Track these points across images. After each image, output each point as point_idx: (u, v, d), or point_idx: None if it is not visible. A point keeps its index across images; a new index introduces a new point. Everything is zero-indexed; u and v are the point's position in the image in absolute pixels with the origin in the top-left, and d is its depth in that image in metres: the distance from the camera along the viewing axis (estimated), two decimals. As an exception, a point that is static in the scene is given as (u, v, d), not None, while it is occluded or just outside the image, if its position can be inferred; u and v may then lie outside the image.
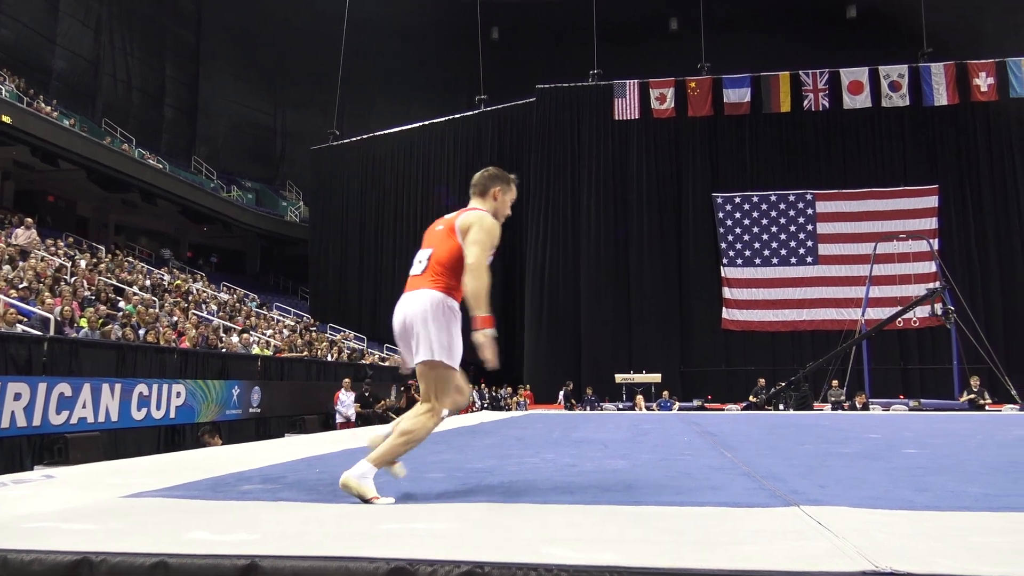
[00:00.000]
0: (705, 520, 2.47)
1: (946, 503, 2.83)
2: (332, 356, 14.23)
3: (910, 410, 14.79)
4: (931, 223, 21.34)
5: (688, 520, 2.46)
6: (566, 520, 2.43)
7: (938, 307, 16.02)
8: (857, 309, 19.77)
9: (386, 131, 22.08)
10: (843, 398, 15.66)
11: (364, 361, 15.28)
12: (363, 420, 10.89)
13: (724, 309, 20.85)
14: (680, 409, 14.93)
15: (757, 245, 21.73)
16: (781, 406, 14.96)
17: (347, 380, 11.53)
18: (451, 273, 2.72)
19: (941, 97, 20.85)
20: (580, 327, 20.18)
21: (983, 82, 20.87)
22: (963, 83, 20.93)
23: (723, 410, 14.95)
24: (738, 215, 21.71)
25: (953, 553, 1.98)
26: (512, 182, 2.98)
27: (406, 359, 2.73)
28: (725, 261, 21.45)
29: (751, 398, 15.66)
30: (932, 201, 21.51)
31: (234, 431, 9.09)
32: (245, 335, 12.27)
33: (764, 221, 21.82)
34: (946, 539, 2.14)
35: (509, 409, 15.44)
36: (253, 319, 15.11)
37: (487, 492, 3.01)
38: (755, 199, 21.89)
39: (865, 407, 14.64)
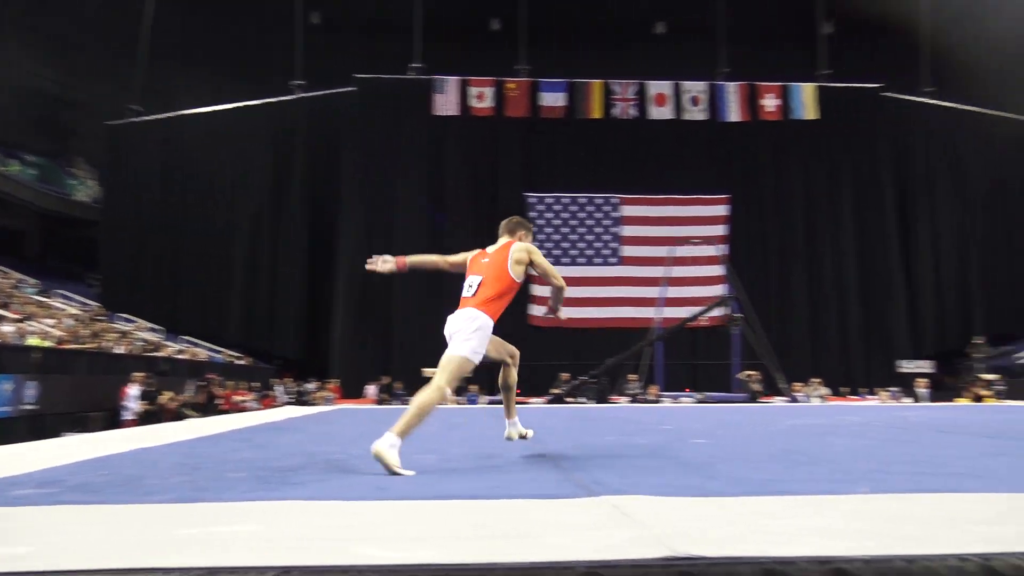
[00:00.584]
0: (516, 512, 2.51)
1: (735, 489, 3.06)
2: (122, 348, 13.68)
3: (697, 402, 16.20)
4: (721, 229, 23.56)
5: (499, 513, 2.50)
6: (378, 518, 2.42)
7: (725, 311, 17.62)
8: (655, 308, 21.32)
9: (194, 111, 21.09)
10: (640, 391, 16.73)
11: (159, 354, 14.66)
12: (150, 417, 10.25)
13: (532, 305, 21.38)
14: (489, 403, 15.20)
15: (566, 245, 22.67)
16: (583, 399, 15.67)
17: (139, 374, 10.97)
18: (496, 297, 3.81)
19: (734, 113, 23.11)
20: (392, 320, 20.04)
21: (770, 103, 23.43)
22: (753, 102, 23.29)
23: (528, 403, 15.39)
24: (549, 215, 22.49)
25: (744, 536, 2.11)
26: (531, 229, 4.18)
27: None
28: (537, 258, 22.29)
29: (554, 390, 16.26)
30: (723, 209, 23.73)
31: (2, 431, 8.42)
32: (21, 324, 11.69)
33: (573, 222, 22.82)
34: (736, 523, 2.27)
35: (315, 404, 15.00)
36: (32, 307, 14.41)
37: (295, 489, 2.99)
38: (566, 200, 22.86)
39: (657, 399, 15.81)
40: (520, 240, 4.06)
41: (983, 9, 23.42)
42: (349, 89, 20.37)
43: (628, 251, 23.03)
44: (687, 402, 16.18)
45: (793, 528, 2.19)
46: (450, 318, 3.86)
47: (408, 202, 20.90)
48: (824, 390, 16.39)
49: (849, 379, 22.92)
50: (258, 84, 21.49)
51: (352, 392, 17.47)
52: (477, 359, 3.77)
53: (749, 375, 17.14)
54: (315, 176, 20.87)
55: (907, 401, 17.60)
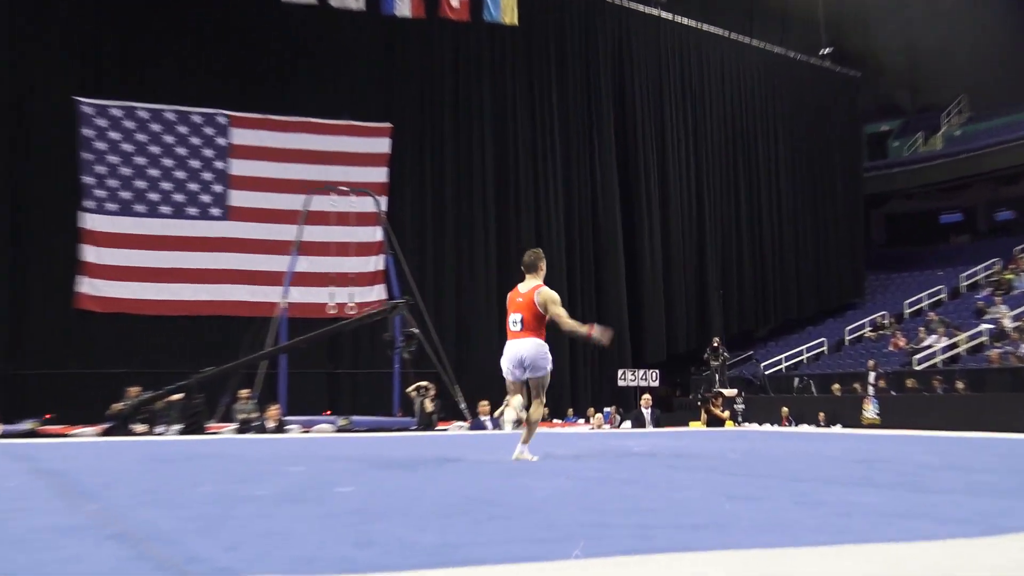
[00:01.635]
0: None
1: (396, 559, 3.07)
2: None
3: (337, 430, 16.49)
4: (380, 174, 24.32)
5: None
6: None
7: (393, 334, 17.98)
8: (277, 288, 21.26)
9: None
10: (255, 415, 16.63)
11: None
12: None
13: (83, 279, 20.48)
14: (3, 436, 13.95)
15: (141, 184, 21.71)
16: (161, 428, 15.12)
17: None
18: (539, 328, 7.77)
19: (405, 5, 23.73)
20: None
21: (455, -4, 24.46)
22: (432, -6, 24.16)
23: (71, 435, 14.43)
24: (115, 135, 21.43)
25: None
26: (543, 257, 8.10)
27: (515, 376, 7.96)
28: (89, 205, 20.97)
29: (116, 409, 15.44)
30: (383, 144, 24.49)
31: None
32: None
33: (154, 149, 21.93)
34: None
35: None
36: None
37: None
38: (142, 114, 21.76)
39: (281, 427, 15.79)
40: (542, 270, 8.07)
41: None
42: None
43: (239, 199, 22.72)
44: (326, 430, 16.39)
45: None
46: (508, 349, 7.96)
47: None
48: (520, 412, 17.72)
49: (572, 395, 25.83)
50: None
51: None
52: (549, 372, 7.94)
53: (421, 388, 17.90)
54: None
55: (625, 425, 19.81)
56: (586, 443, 11.05)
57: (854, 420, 21.12)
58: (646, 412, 18.77)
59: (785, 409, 22.34)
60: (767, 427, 19.85)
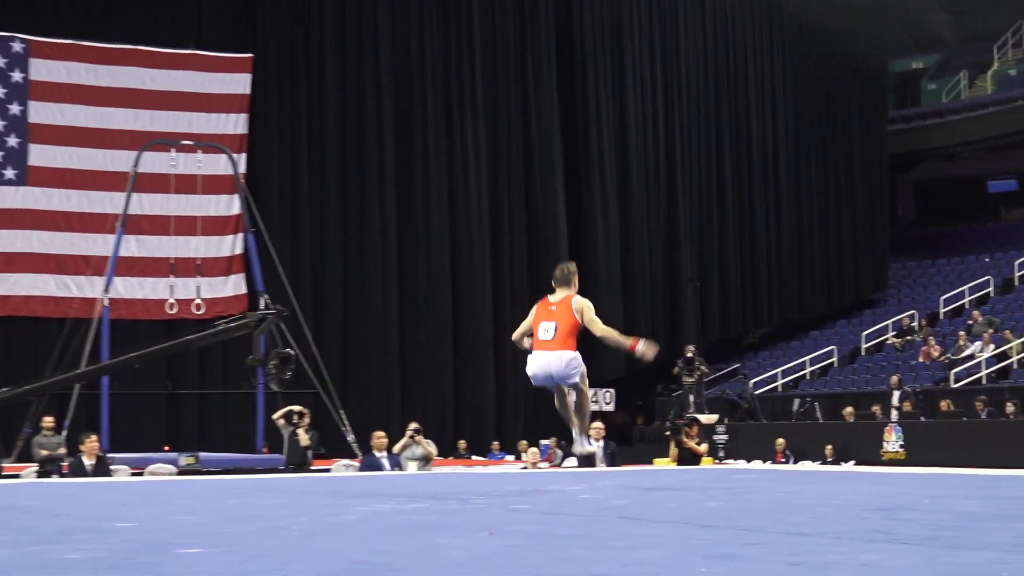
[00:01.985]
0: None
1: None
2: None
3: (180, 472, 16.36)
4: (238, 124, 24.15)
5: None
6: None
7: (260, 355, 17.85)
8: (97, 279, 21.01)
9: None
10: (63, 451, 16.44)
11: None
12: None
13: None
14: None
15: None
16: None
17: None
18: (571, 338, 10.01)
19: None
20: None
21: None
22: None
23: None
24: None
25: None
26: (576, 272, 10.35)
27: (547, 383, 10.41)
28: None
29: None
30: (241, 83, 24.35)
31: None
32: None
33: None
34: None
35: None
36: None
37: None
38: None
39: (102, 466, 15.60)
40: (576, 284, 10.09)
41: None
42: None
43: (42, 156, 22.49)
44: (165, 471, 16.28)
45: None
46: (537, 358, 9.91)
47: None
48: (428, 446, 17.77)
49: (498, 425, 26.02)
50: None
51: None
52: (582, 369, 10.06)
53: (293, 416, 17.86)
54: None
55: (569, 463, 19.92)
56: (517, 486, 11.09)
57: (872, 455, 21.51)
58: (597, 446, 18.90)
59: (781, 441, 22.69)
60: (757, 464, 20.12)
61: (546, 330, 9.86)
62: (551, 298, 10.02)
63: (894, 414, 23.83)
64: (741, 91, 32.63)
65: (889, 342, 31.02)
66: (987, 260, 34.54)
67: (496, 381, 26.61)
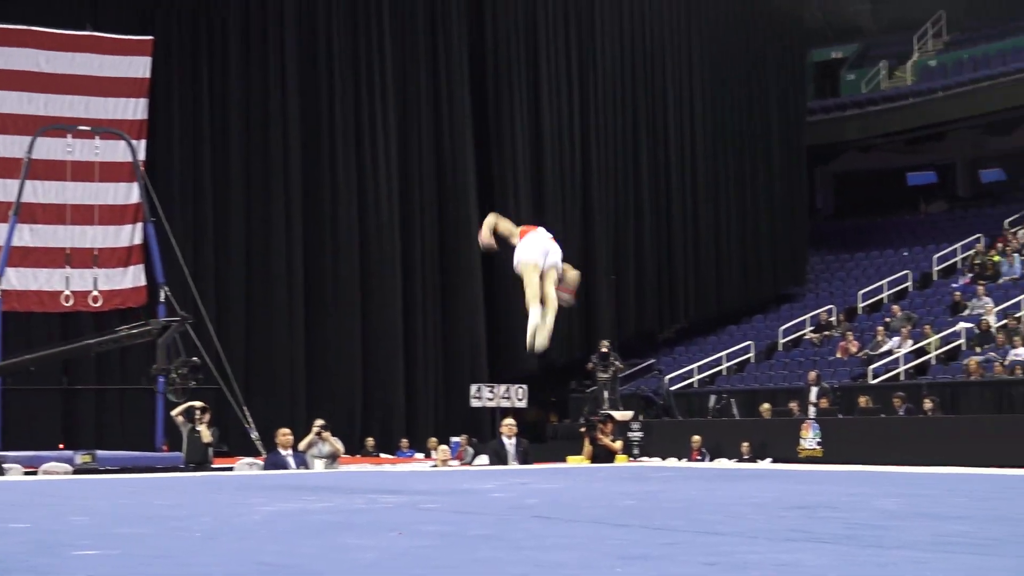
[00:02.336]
0: None
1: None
2: None
3: (76, 470, 16.12)
4: (136, 108, 23.87)
5: None
6: None
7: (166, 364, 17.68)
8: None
9: None
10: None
11: None
12: None
13: None
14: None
15: None
16: None
17: None
18: None
19: None
20: None
21: None
22: None
23: None
24: None
25: None
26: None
27: (540, 261, 11.93)
28: None
29: None
30: (141, 67, 24.06)
31: None
32: None
33: None
34: None
35: None
36: None
37: None
38: None
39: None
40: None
41: None
42: None
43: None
44: (60, 470, 16.09)
45: None
46: (541, 235, 11.88)
47: None
48: (335, 444, 17.70)
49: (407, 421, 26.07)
50: None
51: None
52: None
53: (193, 411, 17.73)
54: None
55: (481, 461, 19.94)
56: (427, 485, 11.09)
57: (789, 452, 21.75)
58: (509, 443, 18.91)
59: (697, 438, 22.86)
60: (673, 462, 20.25)
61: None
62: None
63: (811, 411, 24.11)
64: (658, 83, 32.81)
65: (807, 337, 31.40)
66: (905, 254, 35.06)
67: (406, 377, 26.56)
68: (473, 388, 24.48)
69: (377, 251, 26.77)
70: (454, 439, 23.00)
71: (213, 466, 17.28)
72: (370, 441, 24.64)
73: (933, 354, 26.78)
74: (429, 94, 27.91)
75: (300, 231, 25.72)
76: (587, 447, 20.28)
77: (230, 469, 17.01)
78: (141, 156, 22.73)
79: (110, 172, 22.40)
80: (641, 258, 31.88)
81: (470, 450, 22.70)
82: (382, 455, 23.55)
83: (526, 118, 29.54)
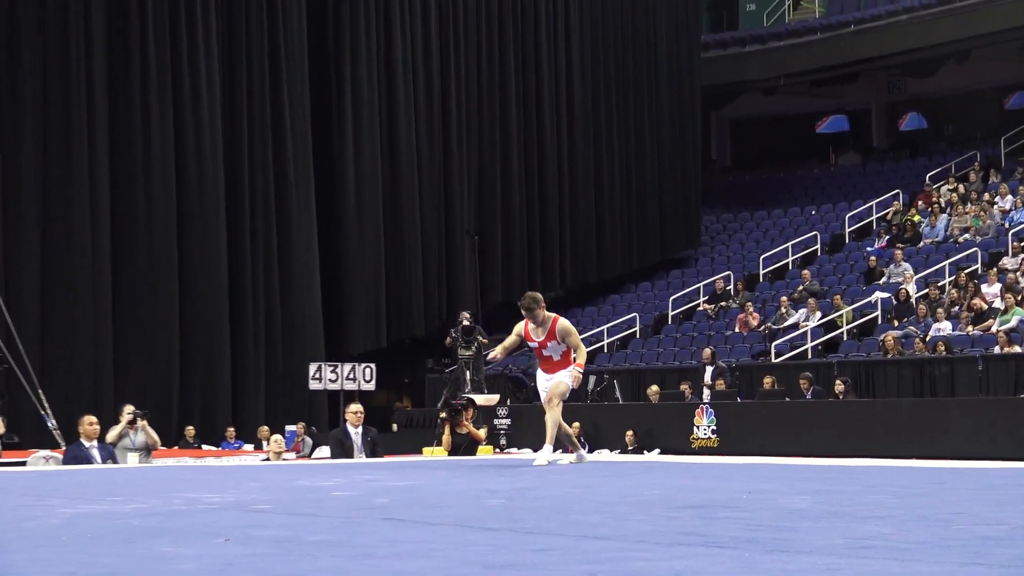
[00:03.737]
0: None
1: None
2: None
3: None
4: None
5: None
6: None
7: None
8: None
9: None
10: None
11: None
12: None
13: None
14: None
15: None
16: None
17: None
18: (566, 359, 14.53)
19: None
20: None
21: None
22: None
23: None
24: None
25: None
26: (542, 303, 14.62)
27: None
28: None
29: None
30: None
31: None
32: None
33: None
34: None
35: None
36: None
37: None
38: None
39: None
40: (544, 309, 14.27)
41: None
42: None
43: None
44: None
45: None
46: (541, 379, 14.54)
47: None
48: (149, 434, 17.52)
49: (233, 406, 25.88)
50: None
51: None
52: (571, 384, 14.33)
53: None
54: None
55: (321, 453, 19.90)
56: (258, 482, 11.03)
57: (681, 442, 21.98)
58: (355, 432, 18.92)
59: (575, 425, 22.99)
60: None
61: (548, 354, 14.05)
62: (534, 326, 13.92)
63: (706, 393, 24.38)
64: (529, 14, 32.82)
65: (701, 309, 31.76)
66: (814, 212, 35.61)
67: (233, 355, 26.35)
68: (312, 368, 24.34)
69: (197, 208, 26.44)
70: (289, 428, 22.92)
71: (1, 460, 17.02)
72: (190, 430, 24.45)
73: (845, 328, 27.25)
74: (258, 18, 27.61)
75: (107, 198, 25.33)
76: (447, 437, 20.34)
77: (23, 464, 16.75)
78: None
79: None
80: (509, 217, 31.94)
81: (308, 440, 22.64)
82: (205, 447, 23.39)
83: (376, 49, 29.39)
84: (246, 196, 27.26)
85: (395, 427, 27.58)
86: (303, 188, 27.62)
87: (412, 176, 29.71)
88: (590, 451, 21.72)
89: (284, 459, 19.13)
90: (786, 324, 27.87)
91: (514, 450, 21.56)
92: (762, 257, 33.07)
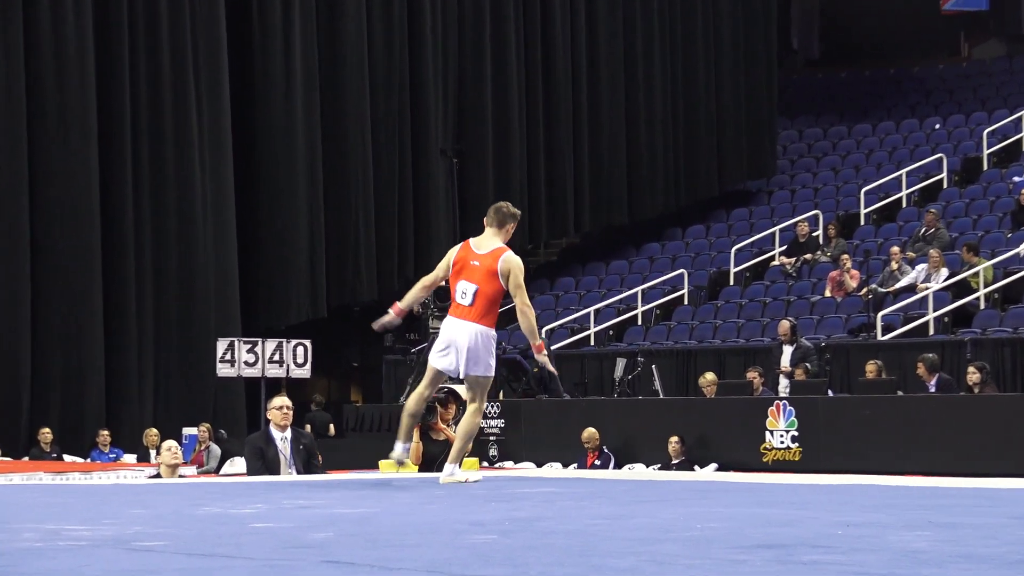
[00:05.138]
0: None
1: None
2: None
3: None
4: None
5: None
6: None
7: None
8: None
9: None
10: None
11: None
12: None
13: None
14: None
15: None
16: None
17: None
18: (492, 307, 14.73)
19: None
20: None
21: None
22: None
23: None
24: None
25: None
26: (517, 219, 15.28)
27: (449, 367, 14.86)
28: None
29: None
30: None
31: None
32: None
33: None
34: None
35: None
36: None
37: None
38: None
39: None
40: (508, 232, 14.42)
41: None
42: None
43: None
44: None
45: None
46: (449, 326, 14.31)
47: None
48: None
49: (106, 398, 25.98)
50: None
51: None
52: (492, 371, 14.57)
53: None
54: None
55: (233, 467, 20.00)
56: (144, 508, 11.08)
57: (748, 454, 22.03)
58: (281, 438, 18.96)
59: (592, 431, 22.97)
60: (554, 470, 20.45)
61: (464, 293, 13.51)
62: (475, 245, 13.67)
63: (784, 384, 24.39)
64: None
65: (776, 264, 31.73)
66: (938, 127, 35.63)
67: (107, 332, 26.39)
68: (221, 346, 24.41)
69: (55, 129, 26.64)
70: (188, 431, 23.03)
71: None
72: (46, 434, 24.52)
73: (982, 292, 27.15)
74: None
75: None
76: (416, 445, 20.34)
77: None
78: None
79: None
80: (503, 133, 31.94)
81: (216, 449, 22.75)
82: (68, 458, 23.49)
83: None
84: (127, 111, 27.40)
85: (331, 429, 27.73)
86: (211, 97, 27.72)
87: (360, 78, 29.74)
88: (617, 466, 21.77)
89: (181, 475, 19.21)
90: (898, 286, 27.82)
91: (509, 464, 21.62)
92: (864, 191, 32.99)
